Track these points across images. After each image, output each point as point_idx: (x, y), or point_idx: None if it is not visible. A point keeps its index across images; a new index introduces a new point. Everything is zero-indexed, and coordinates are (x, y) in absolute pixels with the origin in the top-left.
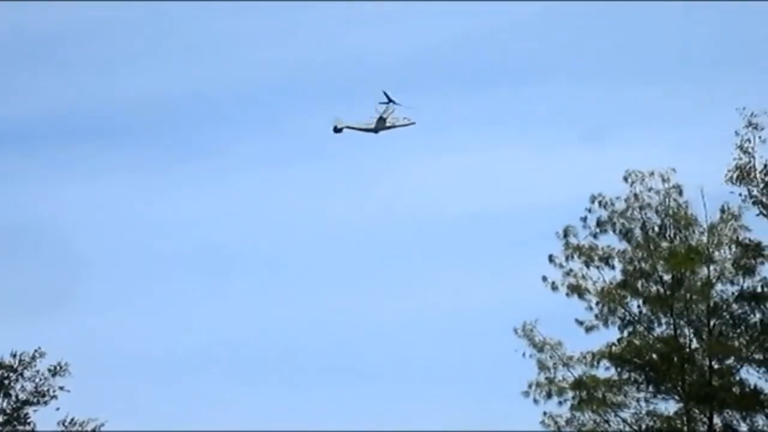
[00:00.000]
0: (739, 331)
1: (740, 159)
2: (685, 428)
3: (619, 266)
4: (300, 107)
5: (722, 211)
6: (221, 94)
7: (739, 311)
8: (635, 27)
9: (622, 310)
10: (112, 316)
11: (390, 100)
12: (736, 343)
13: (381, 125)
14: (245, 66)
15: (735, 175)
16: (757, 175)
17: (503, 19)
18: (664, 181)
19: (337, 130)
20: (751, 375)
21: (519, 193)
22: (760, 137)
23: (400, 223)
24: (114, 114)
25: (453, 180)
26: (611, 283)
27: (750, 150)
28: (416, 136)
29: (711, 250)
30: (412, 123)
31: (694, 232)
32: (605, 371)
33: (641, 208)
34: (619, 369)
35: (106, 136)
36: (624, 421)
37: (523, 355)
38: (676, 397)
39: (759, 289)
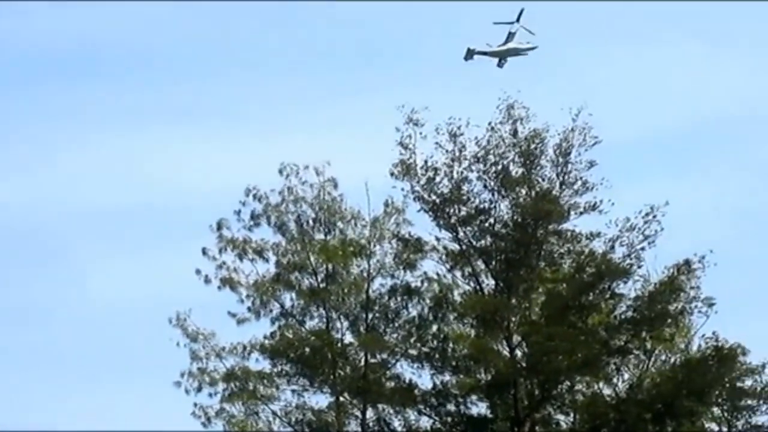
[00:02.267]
0: (394, 325)
1: (403, 154)
2: (336, 422)
3: (273, 259)
4: None
5: (386, 205)
6: None
7: (395, 306)
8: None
9: (276, 303)
10: None
11: (505, 23)
12: (392, 338)
13: (507, 46)
14: None
15: (398, 171)
16: (418, 171)
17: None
18: (318, 174)
19: (469, 55)
20: (406, 370)
21: (175, 185)
22: (420, 133)
23: (56, 212)
24: None
25: (107, 169)
26: (264, 276)
27: (411, 146)
28: (91, 124)
29: (372, 244)
30: (535, 47)
31: (356, 225)
32: (259, 363)
33: (296, 201)
34: (272, 361)
35: None
36: (274, 413)
37: (177, 344)
38: (329, 390)
39: (418, 284)
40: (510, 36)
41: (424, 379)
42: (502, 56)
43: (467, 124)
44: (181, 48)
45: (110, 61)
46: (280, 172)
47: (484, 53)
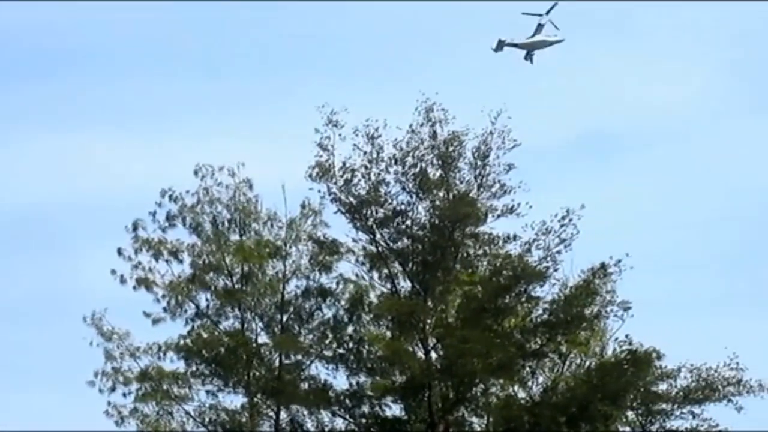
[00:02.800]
0: (309, 327)
1: (320, 156)
2: (249, 422)
3: (188, 260)
4: None
5: (303, 207)
6: None
7: (310, 307)
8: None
9: (191, 303)
10: None
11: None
12: (307, 339)
13: (536, 38)
14: None
15: (315, 172)
16: (336, 173)
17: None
18: (232, 175)
19: (499, 47)
20: (320, 371)
21: (90, 185)
22: (340, 135)
23: None
24: None
25: (21, 168)
26: (180, 276)
27: (329, 147)
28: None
29: (288, 245)
30: (562, 40)
31: (272, 226)
32: (173, 363)
33: (211, 202)
34: (186, 362)
35: None
36: (188, 413)
37: (91, 343)
38: (243, 391)
39: (333, 286)
40: (539, 28)
41: (339, 381)
42: (531, 48)
43: (385, 125)
44: (101, 49)
45: (27, 61)
46: (196, 173)
47: (515, 45)
